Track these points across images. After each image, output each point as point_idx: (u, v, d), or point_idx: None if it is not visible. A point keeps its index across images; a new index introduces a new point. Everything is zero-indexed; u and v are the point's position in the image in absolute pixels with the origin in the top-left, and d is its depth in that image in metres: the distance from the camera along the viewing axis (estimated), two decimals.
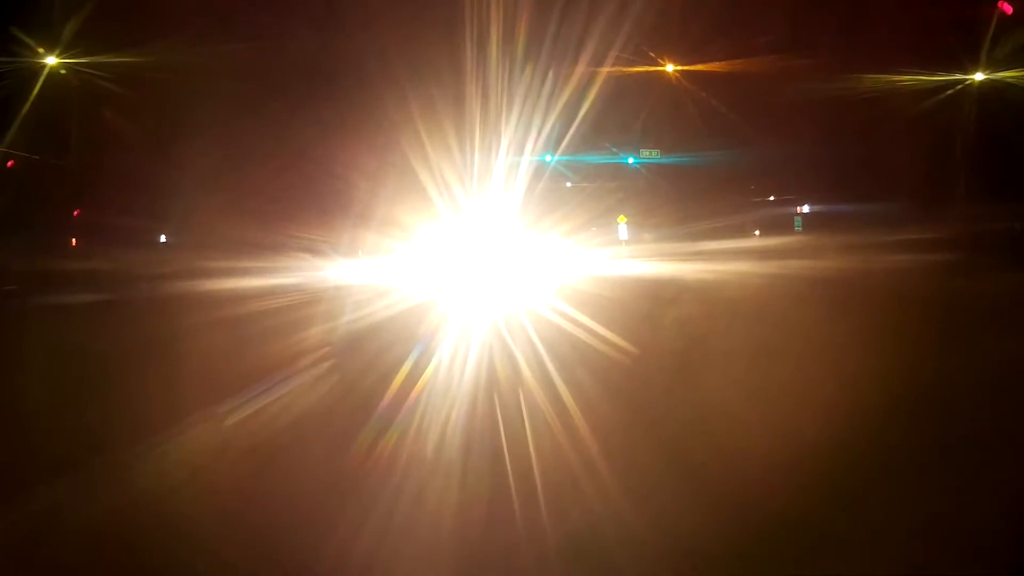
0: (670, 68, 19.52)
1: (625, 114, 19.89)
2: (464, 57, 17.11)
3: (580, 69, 17.43)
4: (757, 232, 25.30)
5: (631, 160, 21.57)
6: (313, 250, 17.30)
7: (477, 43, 16.92)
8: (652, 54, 19.06)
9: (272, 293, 13.37)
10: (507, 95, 17.38)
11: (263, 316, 11.13)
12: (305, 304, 12.32)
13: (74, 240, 19.87)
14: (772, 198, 23.47)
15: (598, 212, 23.25)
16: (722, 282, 14.94)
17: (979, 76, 20.01)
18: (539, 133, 17.75)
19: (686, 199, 20.91)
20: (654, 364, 7.72)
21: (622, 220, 23.27)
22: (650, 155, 21.45)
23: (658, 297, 12.68)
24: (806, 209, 22.33)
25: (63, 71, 17.58)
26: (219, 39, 16.97)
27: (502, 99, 17.38)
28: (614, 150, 21.04)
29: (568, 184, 22.68)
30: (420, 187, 17.09)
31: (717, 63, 19.21)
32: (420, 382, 6.99)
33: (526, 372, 7.23)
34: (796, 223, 22.28)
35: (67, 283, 15.47)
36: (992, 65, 19.68)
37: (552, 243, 21.95)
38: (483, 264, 16.59)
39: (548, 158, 20.37)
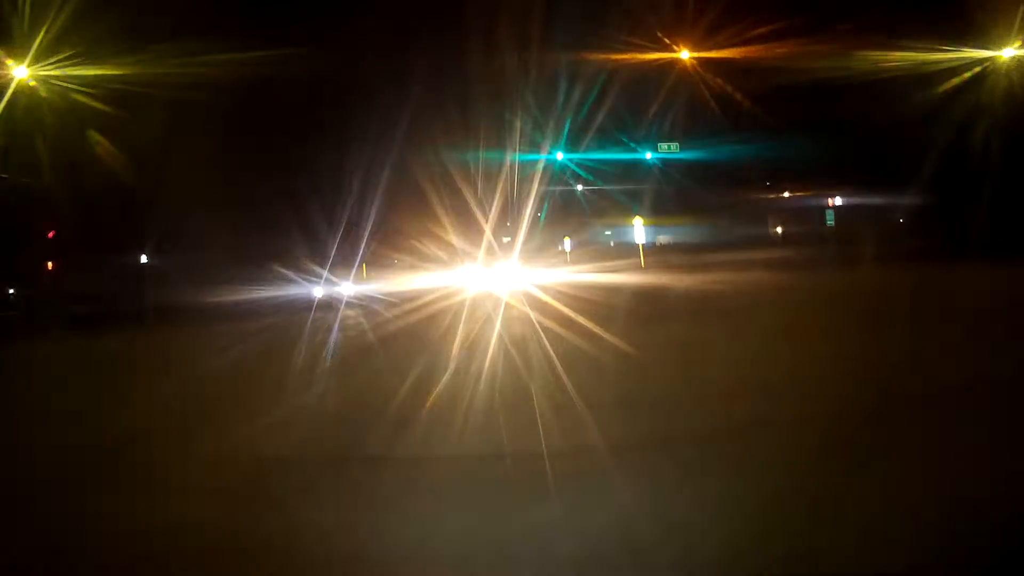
0: (685, 55, 18.12)
1: (641, 106, 18.57)
2: (467, 53, 16.02)
3: (593, 59, 16.24)
4: (779, 229, 23.91)
5: (649, 155, 20.06)
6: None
7: (483, 38, 15.79)
8: (668, 40, 17.68)
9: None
10: (514, 90, 16.27)
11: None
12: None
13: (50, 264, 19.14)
14: (790, 194, 21.89)
15: (611, 220, 21.96)
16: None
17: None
18: (548, 130, 16.56)
19: (707, 199, 19.46)
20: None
21: (635, 219, 21.87)
22: (669, 149, 19.93)
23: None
24: (839, 201, 20.71)
25: (33, 83, 16.35)
26: (211, 51, 15.64)
27: (510, 94, 16.27)
28: (632, 145, 19.57)
29: (579, 187, 21.30)
30: (416, 198, 16.06)
31: (736, 49, 17.82)
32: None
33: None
34: (828, 217, 20.71)
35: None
36: None
37: (560, 254, 20.71)
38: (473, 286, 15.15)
39: (560, 155, 19.02)
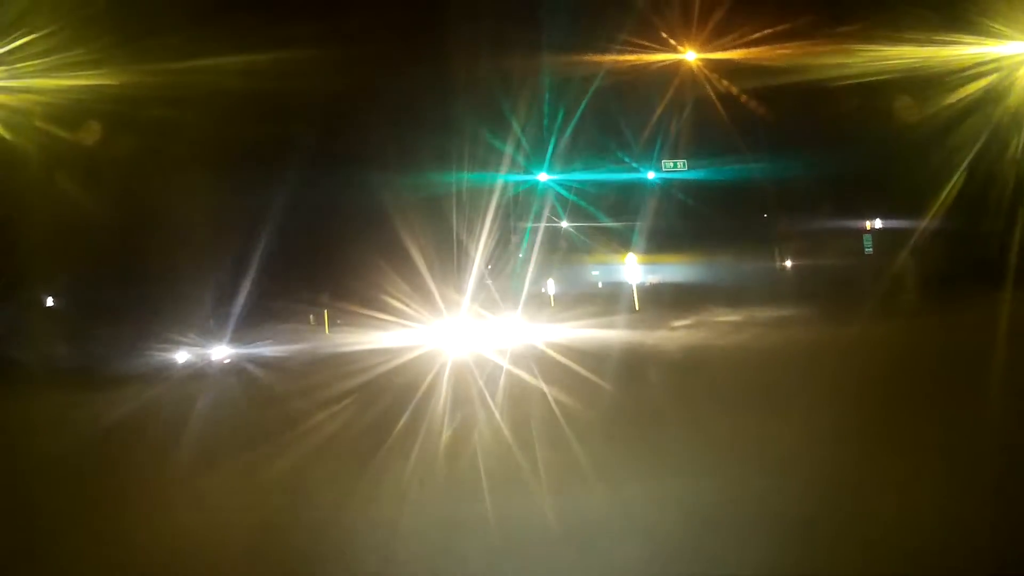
0: (691, 55, 15.16)
1: (642, 119, 15.69)
2: (432, 55, 13.33)
3: (587, 65, 13.43)
4: (788, 263, 20.90)
5: (652, 175, 16.85)
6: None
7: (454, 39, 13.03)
8: (674, 42, 14.85)
9: None
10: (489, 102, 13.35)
11: None
12: None
13: None
14: (818, 216, 18.81)
15: (602, 256, 18.80)
16: None
17: None
18: (529, 147, 13.73)
19: (722, 228, 16.35)
20: None
21: (629, 256, 18.67)
22: (675, 167, 16.79)
23: None
24: (878, 224, 17.53)
25: None
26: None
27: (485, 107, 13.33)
28: (634, 165, 16.42)
29: (565, 218, 18.04)
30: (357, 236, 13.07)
31: (753, 51, 15.01)
32: None
33: None
34: (865, 242, 17.53)
35: None
36: None
37: (542, 298, 17.56)
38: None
39: (543, 176, 15.80)
